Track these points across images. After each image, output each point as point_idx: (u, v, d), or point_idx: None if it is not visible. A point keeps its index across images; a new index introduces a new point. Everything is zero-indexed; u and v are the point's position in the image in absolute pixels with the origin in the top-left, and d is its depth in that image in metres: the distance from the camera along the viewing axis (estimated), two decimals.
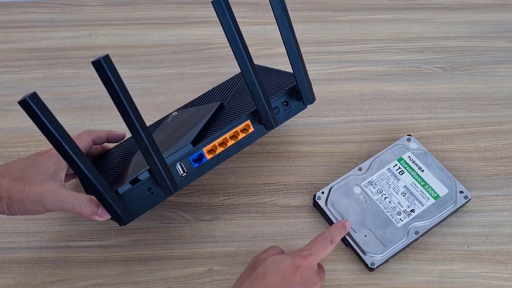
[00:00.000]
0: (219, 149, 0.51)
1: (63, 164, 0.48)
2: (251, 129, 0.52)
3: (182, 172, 0.49)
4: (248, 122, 0.52)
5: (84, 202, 0.44)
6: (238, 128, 0.51)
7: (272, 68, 0.60)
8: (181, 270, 0.54)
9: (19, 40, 0.74)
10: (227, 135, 0.51)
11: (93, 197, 0.44)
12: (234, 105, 0.56)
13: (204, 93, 0.63)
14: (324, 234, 0.49)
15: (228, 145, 0.51)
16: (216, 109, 0.55)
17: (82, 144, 0.51)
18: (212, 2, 0.42)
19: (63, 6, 0.79)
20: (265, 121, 0.52)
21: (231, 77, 0.64)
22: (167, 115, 0.61)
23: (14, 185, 0.44)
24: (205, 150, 0.50)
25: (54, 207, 0.44)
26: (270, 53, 0.73)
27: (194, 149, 0.49)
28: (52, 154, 0.48)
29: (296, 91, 0.53)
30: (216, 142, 0.50)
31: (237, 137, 0.51)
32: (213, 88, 0.63)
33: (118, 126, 0.65)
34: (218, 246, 0.56)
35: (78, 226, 0.57)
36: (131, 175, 0.48)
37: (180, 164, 0.49)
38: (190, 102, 0.62)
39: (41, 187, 0.44)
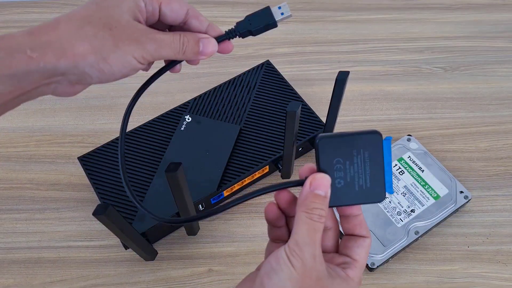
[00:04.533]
0: (236, 187, 0.57)
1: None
2: (267, 170, 0.59)
3: (201, 208, 0.56)
4: (267, 166, 0.58)
5: (187, 41, 0.35)
6: (257, 173, 0.58)
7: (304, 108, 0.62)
8: (181, 270, 0.54)
9: None
10: (246, 178, 0.57)
11: (187, 33, 0.35)
12: (253, 131, 0.60)
13: (211, 91, 0.63)
14: (304, 219, 0.29)
15: (244, 184, 0.58)
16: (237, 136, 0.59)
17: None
18: None
19: (62, 6, 0.79)
20: (284, 175, 0.59)
21: (236, 77, 0.64)
22: (180, 116, 0.60)
23: (98, 31, 0.31)
24: (225, 191, 0.56)
25: (153, 52, 0.33)
26: (270, 53, 0.73)
27: (217, 192, 0.55)
28: None
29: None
30: (236, 185, 0.57)
31: (253, 177, 0.58)
32: (221, 85, 0.63)
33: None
34: (218, 246, 0.56)
35: (78, 226, 0.57)
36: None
37: (201, 203, 0.55)
38: (195, 98, 0.62)
39: (134, 29, 0.33)
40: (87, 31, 0.31)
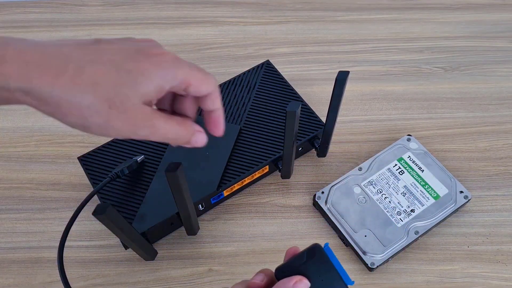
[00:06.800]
0: (236, 187, 0.57)
1: (169, 83, 0.33)
2: (267, 170, 0.59)
3: (201, 208, 0.56)
4: (267, 166, 0.58)
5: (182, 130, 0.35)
6: (257, 172, 0.57)
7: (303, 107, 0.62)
8: (181, 270, 0.54)
9: None
10: (246, 178, 0.57)
11: (187, 121, 0.36)
12: (253, 131, 0.60)
13: None
14: None
15: (244, 183, 0.58)
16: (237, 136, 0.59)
17: None
18: None
19: (63, 6, 0.79)
20: (284, 175, 0.59)
21: (236, 77, 0.64)
22: None
23: (97, 103, 0.30)
24: (225, 191, 0.56)
25: (141, 137, 0.33)
26: (270, 53, 0.73)
27: (217, 192, 0.55)
28: (167, 59, 0.32)
29: (316, 139, 0.60)
30: (236, 185, 0.56)
31: (253, 177, 0.58)
32: (221, 85, 0.63)
33: None
34: (218, 246, 0.56)
35: (78, 226, 0.57)
36: (158, 217, 0.52)
37: (201, 203, 0.55)
38: None
39: (136, 113, 0.31)
40: (86, 99, 0.29)
